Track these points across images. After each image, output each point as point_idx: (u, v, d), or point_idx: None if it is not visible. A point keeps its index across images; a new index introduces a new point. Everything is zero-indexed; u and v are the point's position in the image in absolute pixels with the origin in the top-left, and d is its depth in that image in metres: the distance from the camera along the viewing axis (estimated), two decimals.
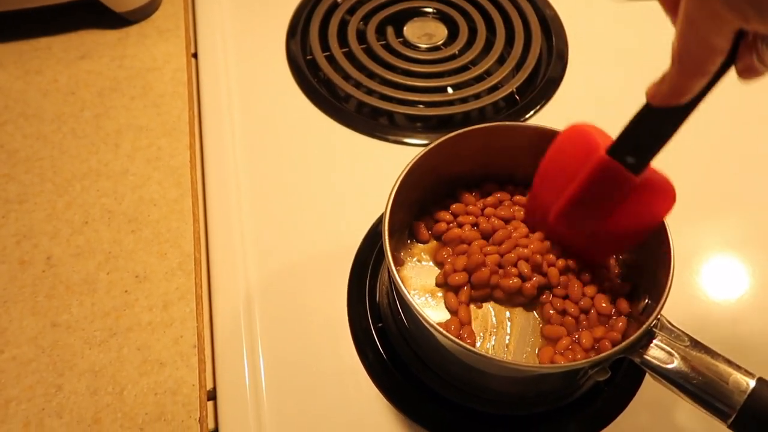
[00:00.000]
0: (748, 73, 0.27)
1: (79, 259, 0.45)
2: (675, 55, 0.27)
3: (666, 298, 0.33)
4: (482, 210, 0.42)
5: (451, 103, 0.56)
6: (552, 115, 0.55)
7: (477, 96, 0.57)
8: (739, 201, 0.51)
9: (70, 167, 0.50)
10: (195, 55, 0.59)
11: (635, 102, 0.56)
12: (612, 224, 0.36)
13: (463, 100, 0.56)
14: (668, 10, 0.27)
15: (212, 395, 0.41)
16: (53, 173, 0.50)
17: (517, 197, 0.44)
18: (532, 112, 0.56)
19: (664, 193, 0.35)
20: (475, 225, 0.42)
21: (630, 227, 0.36)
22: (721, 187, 0.51)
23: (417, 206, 0.43)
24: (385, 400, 0.41)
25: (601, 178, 0.35)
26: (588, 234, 0.38)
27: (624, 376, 0.41)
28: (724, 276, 0.46)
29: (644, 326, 0.32)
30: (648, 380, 0.41)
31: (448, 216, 0.42)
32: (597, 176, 0.35)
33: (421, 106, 0.56)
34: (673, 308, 0.40)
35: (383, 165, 0.52)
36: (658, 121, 0.31)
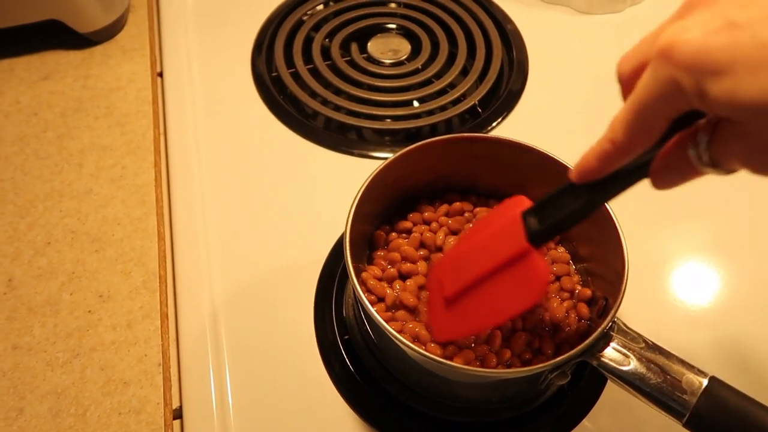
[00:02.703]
0: (666, 173, 0.27)
1: (41, 280, 0.45)
2: (610, 125, 0.26)
3: (620, 302, 0.34)
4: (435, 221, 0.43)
5: (417, 116, 0.57)
6: (514, 126, 0.57)
7: (443, 108, 0.58)
8: (697, 208, 0.52)
9: (32, 188, 0.50)
10: (160, 74, 0.60)
11: (593, 113, 0.58)
12: (477, 290, 0.34)
13: (430, 113, 0.57)
14: (624, 90, 0.27)
15: (178, 414, 0.41)
16: (15, 194, 0.49)
17: (479, 209, 0.44)
18: (494, 123, 0.57)
19: (533, 282, 0.32)
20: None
21: (491, 301, 0.34)
22: (679, 193, 0.53)
23: (380, 218, 0.44)
24: (352, 412, 0.41)
25: (503, 231, 0.33)
26: (453, 293, 0.35)
27: (588, 380, 0.42)
28: (683, 280, 0.48)
29: (599, 329, 0.33)
30: (611, 384, 0.41)
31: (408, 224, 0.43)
32: (498, 227, 0.34)
33: (388, 120, 0.57)
34: (633, 312, 0.41)
35: (350, 179, 0.52)
36: (574, 199, 0.30)
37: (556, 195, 0.31)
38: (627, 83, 0.26)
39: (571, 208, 0.30)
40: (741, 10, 0.22)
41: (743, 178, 0.54)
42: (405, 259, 0.41)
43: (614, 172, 0.27)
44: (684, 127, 0.26)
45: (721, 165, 0.25)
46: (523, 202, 0.33)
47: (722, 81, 0.21)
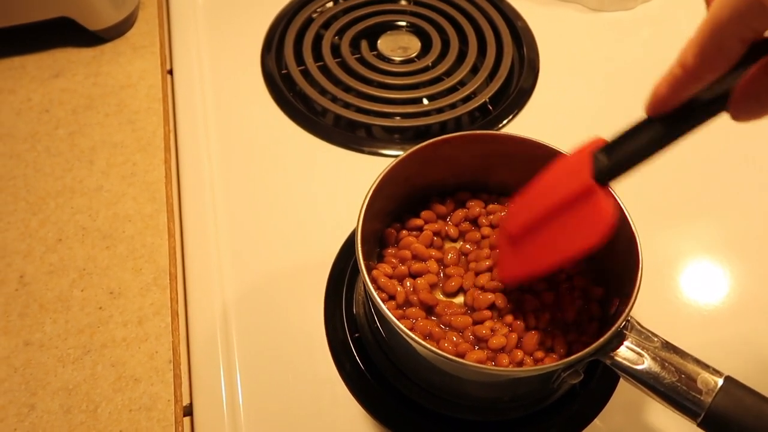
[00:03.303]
0: (747, 104, 0.25)
1: (53, 276, 0.45)
2: (682, 50, 0.24)
3: (635, 301, 0.34)
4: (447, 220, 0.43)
5: (427, 113, 0.57)
6: (525, 124, 0.56)
7: (452, 106, 0.57)
8: (711, 205, 0.51)
9: (44, 185, 0.50)
10: (170, 72, 0.60)
11: (604, 110, 0.57)
12: (542, 228, 0.33)
13: (439, 111, 0.57)
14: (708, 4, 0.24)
15: (188, 410, 0.41)
16: (27, 191, 0.50)
17: (491, 206, 0.44)
18: (505, 121, 0.56)
19: (597, 219, 0.31)
20: (438, 234, 0.42)
21: (555, 239, 0.33)
22: (693, 192, 0.52)
23: (391, 216, 0.43)
24: (362, 410, 0.41)
25: (570, 168, 0.32)
26: (518, 231, 0.35)
27: (599, 379, 0.42)
28: (696, 279, 0.47)
29: (613, 328, 0.33)
30: (623, 383, 0.41)
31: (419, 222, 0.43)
32: (566, 166, 0.33)
33: (398, 117, 0.56)
34: (646, 311, 0.40)
35: (360, 176, 0.51)
36: (645, 134, 0.28)
37: (629, 131, 0.29)
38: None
39: (642, 143, 0.28)
40: None
41: (759, 176, 0.53)
42: (416, 257, 0.41)
43: (689, 103, 0.26)
44: (765, 53, 0.24)
45: None
46: (597, 143, 0.32)
47: None
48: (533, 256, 0.34)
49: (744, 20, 0.21)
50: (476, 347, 0.37)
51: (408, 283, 0.40)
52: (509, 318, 0.38)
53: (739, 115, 0.25)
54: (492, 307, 0.38)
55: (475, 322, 0.38)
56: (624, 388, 0.41)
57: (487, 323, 0.38)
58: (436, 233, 0.42)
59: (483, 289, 0.39)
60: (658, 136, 0.28)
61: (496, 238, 0.39)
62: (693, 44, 0.23)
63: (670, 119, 0.27)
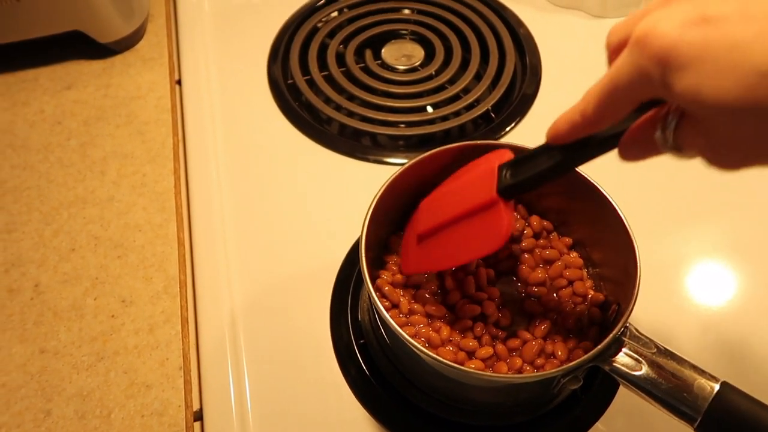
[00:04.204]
0: (632, 148, 0.28)
1: (67, 285, 0.46)
2: (584, 96, 0.27)
3: (632, 308, 0.35)
4: None
5: (431, 121, 0.58)
6: (528, 131, 0.57)
7: (456, 114, 0.58)
8: (710, 211, 0.52)
9: (57, 195, 0.51)
10: (179, 82, 0.61)
11: None
12: (446, 231, 0.37)
13: (443, 118, 0.58)
14: (610, 59, 0.28)
15: (199, 416, 0.42)
16: (40, 202, 0.51)
17: None
18: (508, 128, 0.57)
19: (495, 230, 0.34)
20: None
21: (455, 243, 0.36)
22: (691, 198, 0.53)
23: (395, 224, 0.44)
24: (368, 415, 0.41)
25: (478, 179, 0.36)
26: (426, 231, 0.38)
27: (600, 384, 0.42)
28: (695, 285, 0.48)
29: (611, 335, 0.33)
30: (624, 388, 0.42)
31: None
32: (475, 174, 0.36)
33: (402, 125, 0.57)
34: (645, 317, 0.41)
35: (365, 184, 0.52)
36: (547, 160, 0.32)
37: (532, 153, 0.33)
38: (612, 54, 0.27)
39: (543, 167, 0.32)
40: (719, 4, 0.22)
41: (756, 180, 0.54)
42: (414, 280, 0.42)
43: (587, 138, 0.29)
44: (656, 105, 0.27)
45: (684, 150, 0.26)
46: (504, 155, 0.35)
47: (688, 77, 0.22)
48: (435, 254, 0.38)
49: (636, 88, 0.24)
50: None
51: (411, 293, 0.40)
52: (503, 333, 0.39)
53: (625, 156, 0.29)
54: (481, 317, 0.39)
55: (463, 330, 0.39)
56: (625, 393, 0.41)
57: (476, 331, 0.39)
58: None
59: (471, 298, 0.40)
60: (556, 164, 0.31)
61: (405, 231, 0.42)
62: (593, 98, 0.26)
63: (568, 150, 0.30)
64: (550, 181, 0.32)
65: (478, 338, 0.38)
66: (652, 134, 0.27)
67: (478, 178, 0.36)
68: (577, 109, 0.28)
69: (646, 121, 0.28)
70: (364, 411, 0.42)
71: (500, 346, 0.38)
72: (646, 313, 0.42)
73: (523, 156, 0.33)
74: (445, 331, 0.39)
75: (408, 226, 0.42)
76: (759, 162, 0.24)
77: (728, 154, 0.25)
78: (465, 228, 0.36)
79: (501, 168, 0.34)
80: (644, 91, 0.24)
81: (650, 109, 0.27)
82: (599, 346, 0.33)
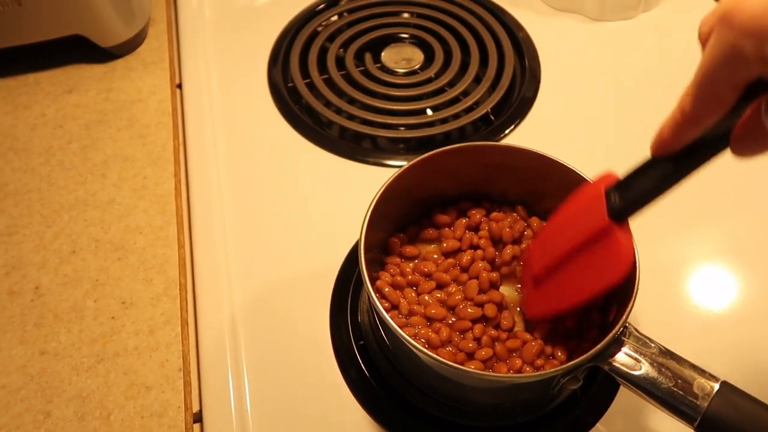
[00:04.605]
0: (745, 142, 0.26)
1: (67, 287, 0.46)
2: (681, 96, 0.26)
3: (632, 308, 0.34)
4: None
5: (431, 124, 0.58)
6: (527, 133, 0.57)
7: (456, 116, 0.58)
8: (710, 213, 0.52)
9: (58, 198, 0.52)
10: (180, 86, 0.61)
11: (606, 119, 0.58)
12: (564, 268, 0.35)
13: (443, 121, 0.58)
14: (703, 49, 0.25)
15: (198, 417, 0.42)
16: (41, 205, 0.51)
17: (494, 214, 0.45)
18: (507, 131, 0.57)
19: (617, 257, 0.32)
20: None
21: (576, 278, 0.35)
22: (692, 199, 0.53)
23: (395, 225, 0.44)
24: (368, 416, 0.41)
25: (586, 208, 0.34)
26: (541, 272, 0.37)
27: (601, 385, 0.42)
28: (695, 285, 0.48)
29: (610, 335, 0.33)
30: (624, 389, 0.42)
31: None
32: (582, 204, 0.34)
33: (402, 128, 0.58)
34: (646, 317, 0.41)
35: (365, 187, 0.52)
36: (656, 173, 0.30)
37: (638, 170, 0.31)
38: (705, 45, 0.25)
39: (653, 182, 0.30)
40: None
41: (756, 183, 0.54)
42: (418, 270, 0.42)
43: (694, 143, 0.27)
44: (762, 92, 0.25)
45: None
46: (609, 178, 0.33)
47: None
48: (557, 294, 0.36)
49: (732, 69, 0.23)
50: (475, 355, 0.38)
51: (411, 294, 0.41)
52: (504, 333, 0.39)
53: (740, 151, 0.27)
54: (482, 318, 0.39)
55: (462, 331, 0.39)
56: (625, 394, 0.41)
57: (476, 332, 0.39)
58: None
59: (473, 301, 0.40)
60: (667, 176, 0.29)
61: (521, 276, 0.41)
62: (689, 92, 0.25)
63: (676, 159, 0.28)
64: (663, 195, 0.30)
65: (478, 339, 0.38)
66: (761, 121, 0.25)
67: (587, 207, 0.34)
68: (676, 110, 0.26)
69: (754, 110, 0.25)
70: (364, 412, 0.41)
71: (500, 347, 0.38)
72: (647, 315, 0.42)
73: (629, 174, 0.32)
74: (445, 332, 0.39)
75: (522, 268, 0.41)
76: None
77: None
78: (583, 261, 0.34)
79: (608, 192, 0.32)
80: (741, 70, 0.23)
81: (756, 97, 0.25)
82: (599, 345, 0.33)
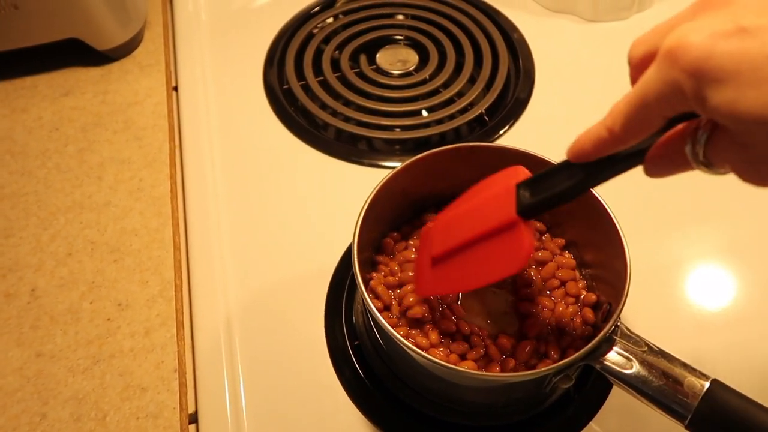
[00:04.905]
0: (660, 163, 0.27)
1: (63, 289, 0.47)
2: (610, 112, 0.26)
3: (623, 307, 0.35)
4: None
5: (426, 125, 0.58)
6: (521, 134, 0.57)
7: (451, 117, 0.59)
8: (704, 213, 0.52)
9: (54, 201, 0.52)
10: (175, 89, 0.61)
11: (600, 119, 0.58)
12: (463, 252, 0.35)
13: (438, 122, 0.58)
14: (633, 74, 0.26)
15: (194, 418, 0.42)
16: (38, 207, 0.51)
17: None
18: (502, 132, 0.58)
19: (517, 252, 0.33)
20: None
21: (474, 264, 0.35)
22: (685, 199, 0.53)
23: (390, 225, 0.45)
24: (362, 416, 0.42)
25: (495, 199, 0.34)
26: (442, 253, 0.37)
27: (594, 384, 0.42)
28: (689, 285, 0.48)
29: (601, 334, 0.34)
30: (616, 388, 0.42)
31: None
32: (491, 194, 0.35)
33: (397, 130, 0.58)
34: (639, 317, 0.41)
35: (361, 188, 0.52)
36: (568, 177, 0.30)
37: (552, 171, 0.32)
38: (635, 68, 0.26)
39: (564, 186, 0.31)
40: (755, 16, 0.21)
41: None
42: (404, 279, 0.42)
43: (610, 156, 0.28)
44: (685, 119, 0.26)
45: (714, 166, 0.25)
46: (520, 174, 0.34)
47: (724, 90, 0.21)
48: (452, 276, 0.37)
49: (667, 103, 0.23)
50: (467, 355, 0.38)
51: (398, 292, 0.41)
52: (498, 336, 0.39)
53: (652, 172, 0.28)
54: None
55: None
56: (618, 393, 0.41)
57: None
58: None
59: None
60: (578, 182, 0.30)
61: (417, 252, 0.41)
62: (620, 114, 0.25)
63: (590, 167, 0.29)
64: (572, 200, 0.31)
65: (467, 337, 0.38)
66: (681, 149, 0.26)
67: (495, 198, 0.34)
68: (603, 126, 0.26)
69: (674, 135, 0.26)
70: (359, 412, 0.42)
71: (492, 348, 0.38)
72: (639, 315, 0.42)
73: (542, 174, 0.32)
74: (434, 334, 0.39)
75: (419, 246, 0.41)
76: None
77: (763, 170, 0.24)
78: (483, 249, 0.34)
79: (519, 187, 0.33)
80: (676, 105, 0.23)
81: (678, 124, 0.26)
82: (590, 345, 0.33)
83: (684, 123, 0.26)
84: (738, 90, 0.21)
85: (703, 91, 0.22)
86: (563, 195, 0.31)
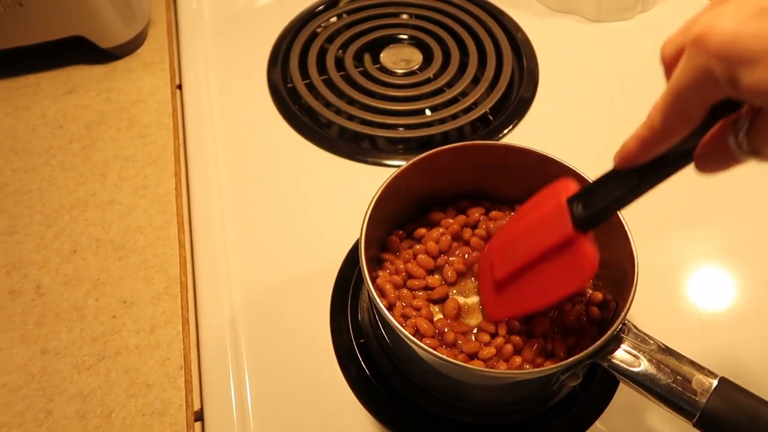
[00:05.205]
0: (708, 159, 0.27)
1: (68, 287, 0.47)
2: (649, 112, 0.26)
3: (630, 305, 0.35)
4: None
5: (429, 124, 0.58)
6: (525, 133, 0.57)
7: (454, 116, 0.59)
8: (711, 211, 0.52)
9: (58, 198, 0.52)
10: (180, 87, 0.61)
11: (604, 119, 0.59)
12: (526, 273, 0.36)
13: (442, 121, 0.58)
14: (667, 73, 0.26)
15: (199, 415, 0.42)
16: (42, 205, 0.51)
17: (493, 213, 0.45)
18: (505, 131, 0.58)
19: (580, 266, 0.33)
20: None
21: (539, 284, 0.35)
22: (692, 198, 0.53)
23: (395, 223, 0.45)
24: (368, 415, 0.42)
25: (549, 217, 0.34)
26: (504, 277, 0.37)
27: (600, 382, 0.42)
28: (695, 284, 0.48)
29: (609, 332, 0.34)
30: (623, 386, 0.42)
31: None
32: (544, 212, 0.35)
33: (401, 129, 0.58)
34: (646, 315, 0.41)
35: (365, 186, 0.53)
36: (619, 185, 0.30)
37: (601, 181, 0.31)
38: (669, 66, 0.26)
39: (617, 195, 0.30)
40: None
41: (754, 184, 0.54)
42: (411, 273, 0.42)
43: (658, 157, 0.28)
44: (727, 113, 0.26)
45: (761, 152, 0.25)
46: (569, 187, 0.34)
47: (755, 70, 0.21)
48: (519, 299, 0.37)
49: (702, 91, 0.24)
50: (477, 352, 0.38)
51: (404, 292, 0.41)
52: (503, 330, 0.39)
53: (703, 168, 0.28)
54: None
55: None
56: (624, 391, 0.42)
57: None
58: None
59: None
60: (630, 188, 0.30)
61: (479, 277, 0.42)
62: (659, 110, 0.25)
63: (640, 172, 0.29)
64: (625, 207, 0.31)
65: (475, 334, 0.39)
66: (726, 143, 0.26)
67: (549, 215, 0.34)
68: (644, 126, 0.27)
69: (718, 130, 0.26)
70: (364, 410, 0.42)
71: (507, 346, 0.38)
72: (646, 313, 0.42)
73: (591, 185, 0.32)
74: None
75: (480, 272, 0.41)
76: None
77: None
78: (546, 269, 0.34)
79: (570, 201, 0.33)
80: (710, 92, 0.23)
81: (723, 117, 0.26)
82: (598, 342, 0.33)
83: (726, 118, 0.26)
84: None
85: (734, 74, 0.22)
86: (617, 203, 0.31)
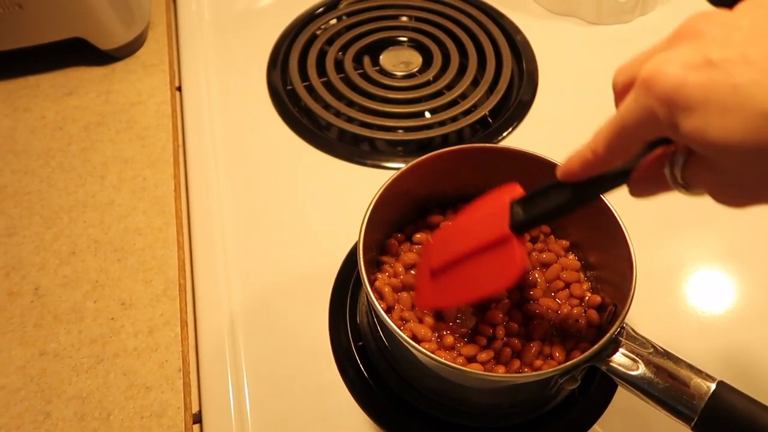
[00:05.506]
0: (643, 184, 0.29)
1: (67, 288, 0.46)
2: (594, 135, 0.28)
3: (629, 308, 0.35)
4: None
5: (429, 127, 0.58)
6: (524, 136, 0.57)
7: (454, 119, 0.59)
8: (707, 216, 0.52)
9: (57, 200, 0.52)
10: (179, 89, 0.61)
11: (602, 122, 0.58)
12: (460, 266, 0.37)
13: (441, 124, 0.58)
14: (617, 99, 0.28)
15: (198, 418, 0.42)
16: (41, 206, 0.51)
17: None
18: (505, 134, 0.58)
19: (509, 266, 0.34)
20: None
21: (469, 278, 0.36)
22: (691, 201, 0.53)
23: (394, 226, 0.45)
24: (367, 417, 0.42)
25: (490, 216, 0.36)
26: (439, 266, 0.38)
27: (598, 386, 0.42)
28: (694, 288, 0.48)
29: (607, 335, 0.34)
30: (622, 389, 0.42)
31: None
32: (487, 210, 0.36)
33: (400, 131, 0.58)
34: (645, 319, 0.41)
35: (364, 189, 0.53)
36: (559, 196, 0.32)
37: (543, 189, 0.33)
38: (619, 94, 0.28)
39: (555, 204, 0.32)
40: (721, 48, 0.23)
41: None
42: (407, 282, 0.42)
43: (597, 176, 0.30)
44: (668, 142, 0.27)
45: (693, 187, 0.27)
46: (515, 191, 0.36)
47: (694, 118, 0.23)
48: (449, 289, 0.38)
49: (644, 128, 0.25)
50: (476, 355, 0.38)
51: (404, 295, 0.41)
52: (502, 333, 0.39)
53: (636, 192, 0.30)
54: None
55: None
56: (622, 395, 0.42)
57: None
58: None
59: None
60: (568, 201, 0.32)
61: (417, 266, 0.42)
62: (603, 138, 0.27)
63: (579, 187, 0.31)
64: (562, 217, 0.33)
65: (473, 338, 0.39)
66: (662, 171, 0.28)
67: (491, 214, 0.36)
68: (588, 148, 0.28)
69: (655, 158, 0.28)
70: (363, 413, 0.42)
71: (505, 349, 0.38)
72: (645, 316, 0.42)
73: (534, 192, 0.34)
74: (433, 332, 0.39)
75: (419, 260, 0.42)
76: (765, 200, 0.25)
77: (735, 193, 0.25)
78: (479, 263, 0.36)
79: (513, 204, 0.35)
80: (652, 130, 0.25)
81: (659, 147, 0.28)
82: (596, 346, 0.33)
83: (664, 147, 0.28)
84: (706, 118, 0.22)
85: (675, 118, 0.23)
86: (553, 212, 0.33)
